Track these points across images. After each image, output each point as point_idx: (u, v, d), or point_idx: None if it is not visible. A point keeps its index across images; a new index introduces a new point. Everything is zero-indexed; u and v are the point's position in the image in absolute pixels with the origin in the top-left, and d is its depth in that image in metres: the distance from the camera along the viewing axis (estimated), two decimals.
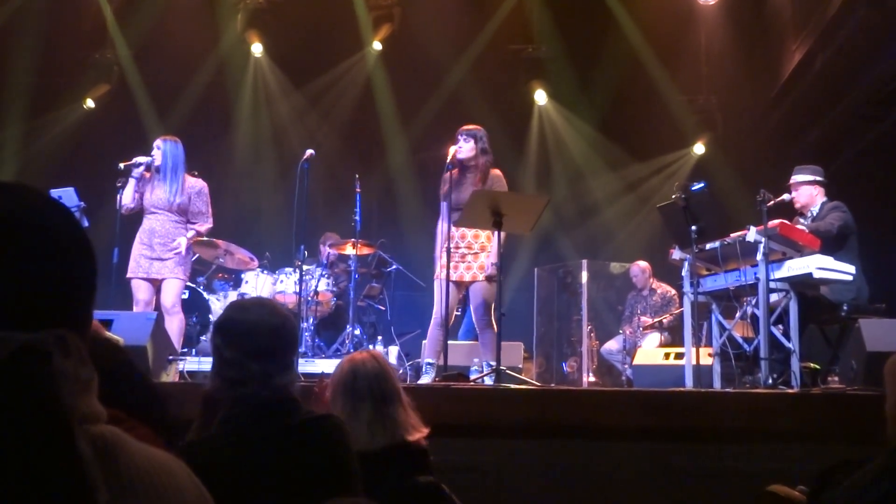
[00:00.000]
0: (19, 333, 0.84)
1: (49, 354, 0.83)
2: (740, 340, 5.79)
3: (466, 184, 5.86)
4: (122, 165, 6.26)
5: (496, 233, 5.48)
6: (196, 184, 6.43)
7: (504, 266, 5.67)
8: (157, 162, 6.30)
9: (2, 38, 9.62)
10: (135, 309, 6.12)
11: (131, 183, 6.26)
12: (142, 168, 6.28)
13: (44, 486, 0.78)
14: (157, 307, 6.24)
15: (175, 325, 6.21)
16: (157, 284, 6.30)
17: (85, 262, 0.98)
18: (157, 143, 6.41)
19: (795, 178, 6.19)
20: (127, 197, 6.26)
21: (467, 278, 5.90)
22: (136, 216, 6.41)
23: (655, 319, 8.83)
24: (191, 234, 6.33)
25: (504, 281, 5.79)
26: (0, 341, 0.82)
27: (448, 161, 5.76)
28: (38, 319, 0.89)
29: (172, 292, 6.26)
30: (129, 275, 6.21)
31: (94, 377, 0.92)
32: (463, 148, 5.85)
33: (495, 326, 5.86)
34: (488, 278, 5.87)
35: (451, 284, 5.67)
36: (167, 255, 6.25)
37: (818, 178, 6.17)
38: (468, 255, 5.87)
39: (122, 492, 0.86)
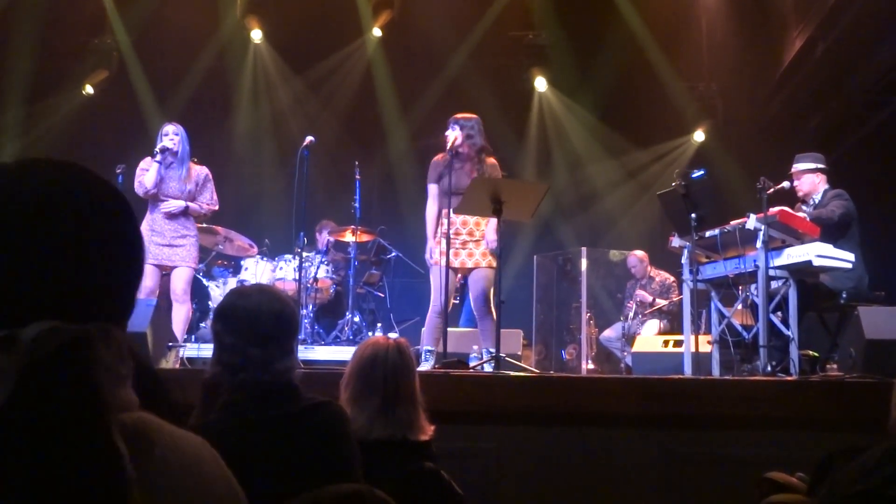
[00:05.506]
0: (68, 325, 0.84)
1: (95, 349, 0.84)
2: (739, 328, 5.80)
3: (461, 170, 5.85)
4: (157, 151, 6.22)
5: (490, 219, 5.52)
6: (201, 171, 6.42)
7: (503, 253, 5.66)
8: (177, 148, 6.28)
9: (1, 22, 9.58)
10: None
11: (155, 167, 6.20)
12: (167, 154, 6.26)
13: (80, 479, 0.79)
14: (162, 295, 6.25)
15: (182, 314, 6.23)
16: (165, 271, 6.31)
17: (134, 247, 0.98)
18: (173, 129, 6.32)
19: (797, 167, 6.18)
20: (151, 181, 6.19)
21: (469, 265, 5.89)
22: (137, 202, 6.40)
23: (657, 303, 8.84)
24: (195, 205, 6.32)
25: (503, 268, 5.79)
26: (51, 332, 0.82)
27: (448, 147, 5.77)
28: (87, 310, 0.90)
29: (184, 279, 6.27)
30: None
31: (131, 371, 0.93)
32: (449, 136, 5.85)
33: (494, 314, 5.86)
34: (492, 252, 5.86)
35: (450, 271, 5.68)
36: (178, 243, 6.25)
37: (819, 166, 6.16)
38: (469, 242, 5.86)
39: (157, 475, 0.88)
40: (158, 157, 6.21)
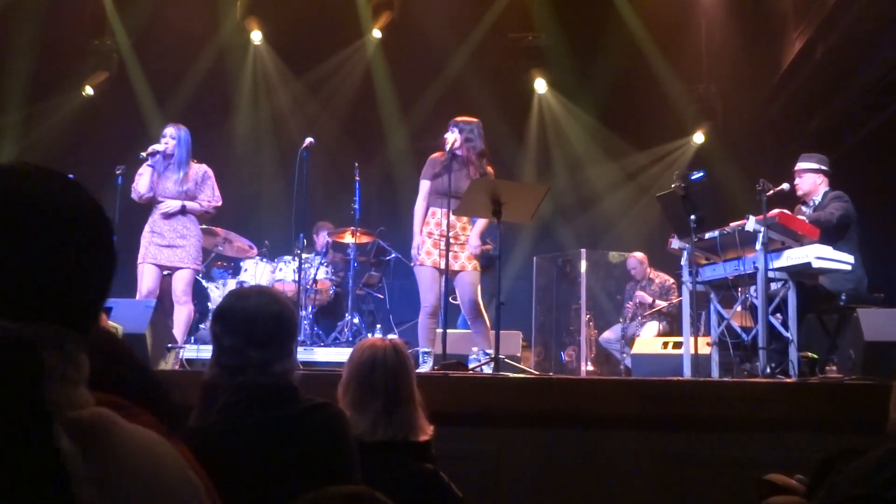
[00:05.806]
0: (17, 324, 0.84)
1: (38, 349, 0.83)
2: (739, 330, 5.80)
3: (459, 172, 5.83)
4: (143, 154, 6.23)
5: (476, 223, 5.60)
6: (200, 169, 6.41)
7: (503, 255, 5.66)
8: (171, 150, 6.27)
9: (1, 22, 9.58)
10: (137, 297, 6.11)
11: (148, 171, 6.22)
12: (158, 157, 6.26)
13: (19, 479, 0.78)
14: (162, 296, 6.24)
15: (183, 315, 6.23)
16: (166, 272, 6.31)
17: (103, 256, 0.98)
18: (171, 131, 6.33)
19: (801, 165, 6.18)
20: (144, 186, 6.20)
21: (455, 268, 5.87)
22: (135, 205, 6.40)
23: (657, 305, 8.84)
24: (194, 204, 6.31)
25: (503, 270, 5.79)
26: None
27: (448, 149, 5.76)
28: (42, 311, 0.89)
29: (184, 280, 6.27)
30: (139, 261, 6.19)
31: (84, 376, 0.92)
32: (448, 139, 5.83)
33: (486, 315, 5.86)
34: (475, 256, 5.87)
35: (436, 271, 5.69)
36: (179, 243, 6.24)
37: (823, 168, 6.16)
38: (454, 244, 5.83)
39: (113, 468, 0.87)
40: (149, 161, 6.21)
